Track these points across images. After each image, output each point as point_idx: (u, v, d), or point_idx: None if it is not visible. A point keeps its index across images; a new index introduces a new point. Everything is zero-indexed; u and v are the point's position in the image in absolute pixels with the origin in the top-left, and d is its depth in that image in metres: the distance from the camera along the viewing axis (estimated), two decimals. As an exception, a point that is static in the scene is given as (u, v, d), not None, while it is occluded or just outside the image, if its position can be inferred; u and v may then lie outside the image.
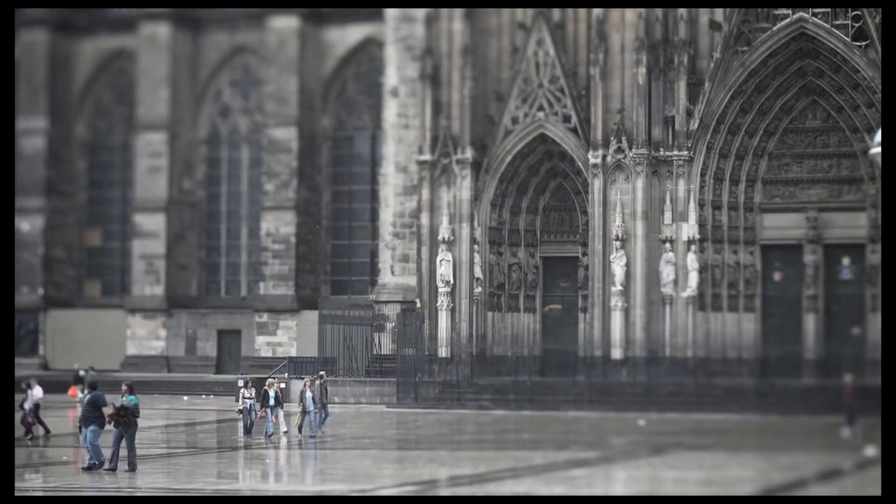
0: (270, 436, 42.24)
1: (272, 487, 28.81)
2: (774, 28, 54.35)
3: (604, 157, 55.49)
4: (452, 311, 57.88)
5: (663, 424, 46.03)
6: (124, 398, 31.80)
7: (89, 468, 31.34)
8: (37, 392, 44.26)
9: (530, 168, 58.60)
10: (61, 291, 77.09)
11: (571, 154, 57.10)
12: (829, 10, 53.51)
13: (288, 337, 70.57)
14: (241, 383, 46.05)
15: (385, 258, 64.69)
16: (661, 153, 55.24)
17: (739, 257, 56.47)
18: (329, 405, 45.48)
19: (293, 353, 67.47)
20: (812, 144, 56.31)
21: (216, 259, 75.87)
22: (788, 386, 52.66)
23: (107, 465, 31.06)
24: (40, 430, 43.90)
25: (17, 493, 26.31)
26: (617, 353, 55.07)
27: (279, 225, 71.48)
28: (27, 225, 75.74)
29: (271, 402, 42.87)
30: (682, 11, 55.06)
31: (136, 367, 70.76)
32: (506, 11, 58.69)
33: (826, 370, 54.06)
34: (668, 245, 55.05)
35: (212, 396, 64.45)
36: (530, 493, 26.90)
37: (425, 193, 58.71)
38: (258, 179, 73.42)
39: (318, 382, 43.95)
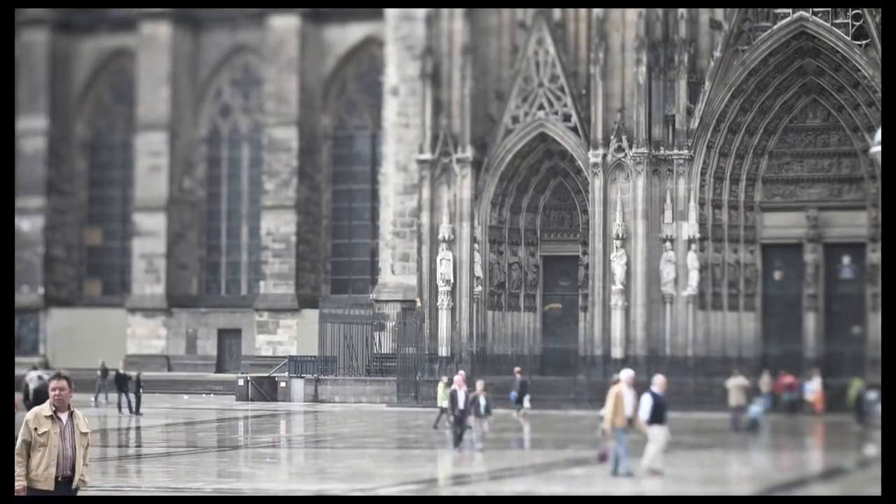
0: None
1: (272, 487, 28.77)
2: (775, 27, 54.34)
3: (604, 156, 55.49)
4: (453, 310, 57.87)
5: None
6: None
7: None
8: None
9: (530, 167, 58.59)
10: (62, 291, 77.06)
11: (572, 153, 57.10)
12: (829, 9, 53.53)
13: (288, 336, 70.53)
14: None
15: (385, 257, 64.70)
16: (662, 152, 55.23)
17: (740, 256, 56.45)
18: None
19: (293, 352, 67.46)
20: (812, 143, 56.31)
21: (216, 258, 75.85)
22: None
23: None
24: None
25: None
26: (617, 352, 55.05)
27: (279, 224, 71.43)
28: (27, 224, 75.69)
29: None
30: (683, 10, 55.06)
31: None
32: (506, 11, 58.67)
33: (826, 369, 54.04)
34: (668, 244, 55.04)
35: (212, 395, 64.50)
36: (530, 492, 26.88)
37: (425, 192, 58.70)
38: (258, 178, 73.38)
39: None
